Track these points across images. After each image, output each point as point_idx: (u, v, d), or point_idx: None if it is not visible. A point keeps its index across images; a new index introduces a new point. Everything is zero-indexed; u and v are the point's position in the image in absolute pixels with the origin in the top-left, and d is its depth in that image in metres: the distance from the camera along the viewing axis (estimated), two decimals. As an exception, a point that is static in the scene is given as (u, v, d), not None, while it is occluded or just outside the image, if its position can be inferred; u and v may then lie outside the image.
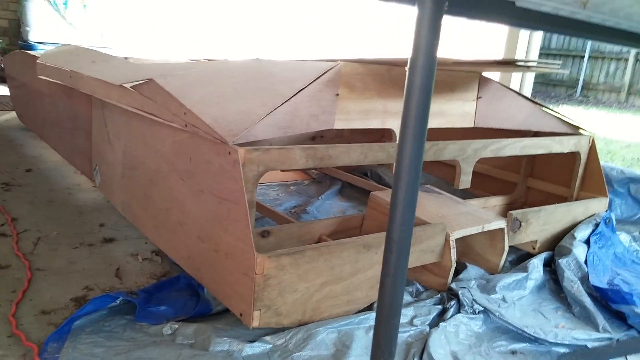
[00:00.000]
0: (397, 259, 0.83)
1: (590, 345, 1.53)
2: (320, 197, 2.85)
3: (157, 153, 1.78)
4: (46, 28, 6.19)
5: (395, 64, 1.85)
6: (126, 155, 2.01)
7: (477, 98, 2.17)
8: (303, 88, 1.66)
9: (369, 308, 1.61)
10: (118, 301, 1.55)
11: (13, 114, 4.22)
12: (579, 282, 1.82)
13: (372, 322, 1.53)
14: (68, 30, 6.23)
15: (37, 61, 2.72)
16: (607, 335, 1.59)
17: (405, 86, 0.87)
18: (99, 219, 2.33)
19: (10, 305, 1.57)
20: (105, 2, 6.46)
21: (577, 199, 2.40)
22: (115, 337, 1.42)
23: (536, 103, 2.36)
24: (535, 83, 12.51)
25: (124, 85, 1.83)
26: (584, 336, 1.55)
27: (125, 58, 3.03)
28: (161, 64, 2.45)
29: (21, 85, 3.67)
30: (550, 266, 2.03)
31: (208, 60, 3.21)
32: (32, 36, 6.19)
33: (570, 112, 8.20)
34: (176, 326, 1.46)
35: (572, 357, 1.47)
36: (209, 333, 1.42)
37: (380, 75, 1.84)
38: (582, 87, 12.25)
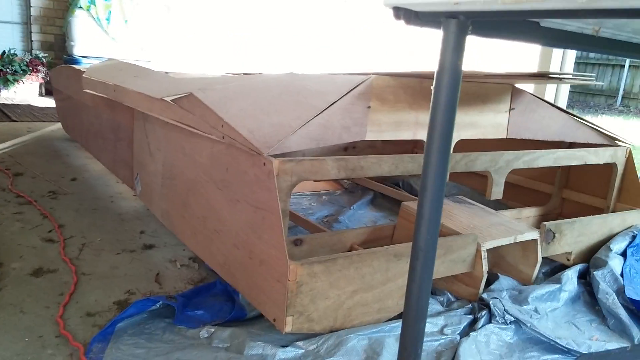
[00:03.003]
0: (423, 266, 0.86)
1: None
2: (352, 207, 2.89)
3: (195, 163, 1.85)
4: (90, 43, 6.46)
5: (427, 77, 1.88)
6: (166, 166, 2.10)
7: (510, 109, 2.17)
8: (335, 101, 1.71)
9: (399, 317, 1.63)
10: (158, 305, 1.63)
11: (58, 125, 4.42)
12: (614, 294, 1.80)
13: (403, 330, 1.55)
14: (110, 44, 6.49)
15: (83, 75, 2.85)
16: (643, 349, 1.56)
17: (431, 103, 0.90)
18: (139, 227, 2.43)
19: (58, 307, 1.66)
20: (146, 18, 6.71)
21: (613, 211, 2.36)
22: (155, 339, 1.49)
23: (570, 114, 2.34)
24: (574, 92, 12.24)
25: (165, 98, 1.92)
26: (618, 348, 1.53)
27: (166, 72, 3.16)
28: (200, 78, 2.54)
29: (67, 98, 3.85)
30: (585, 278, 2.01)
31: (244, 74, 3.30)
32: (77, 50, 6.47)
33: (610, 122, 7.99)
34: (212, 330, 1.52)
35: (590, 358, 1.45)
36: (244, 337, 1.47)
37: (411, 87, 1.87)
38: (623, 97, 11.93)
